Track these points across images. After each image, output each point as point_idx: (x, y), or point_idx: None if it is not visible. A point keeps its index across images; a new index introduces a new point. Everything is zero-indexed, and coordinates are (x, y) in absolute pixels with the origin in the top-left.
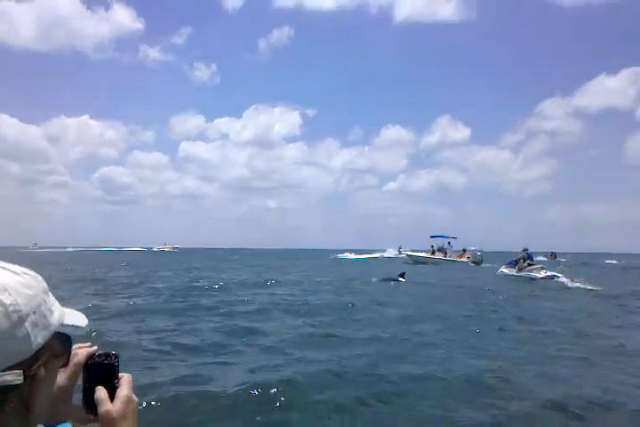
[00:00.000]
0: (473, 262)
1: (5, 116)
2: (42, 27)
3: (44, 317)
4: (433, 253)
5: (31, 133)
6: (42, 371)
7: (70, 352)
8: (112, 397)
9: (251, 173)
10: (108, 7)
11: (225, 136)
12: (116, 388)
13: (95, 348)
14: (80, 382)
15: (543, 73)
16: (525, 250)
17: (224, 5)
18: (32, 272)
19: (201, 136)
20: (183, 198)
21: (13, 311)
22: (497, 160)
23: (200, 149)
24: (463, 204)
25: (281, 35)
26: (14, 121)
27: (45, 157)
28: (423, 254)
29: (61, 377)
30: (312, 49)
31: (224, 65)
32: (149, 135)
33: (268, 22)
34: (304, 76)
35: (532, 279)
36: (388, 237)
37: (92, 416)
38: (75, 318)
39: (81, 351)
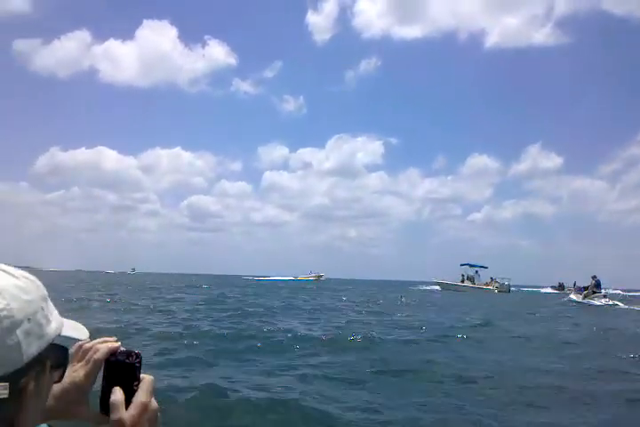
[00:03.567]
0: (500, 291)
1: (105, 148)
2: (143, 64)
3: (40, 325)
4: (462, 281)
5: (128, 164)
6: (31, 385)
7: (66, 367)
8: (129, 401)
9: (332, 202)
10: (204, 44)
11: (308, 165)
12: (135, 391)
13: (118, 344)
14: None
15: None
16: (594, 277)
17: (313, 39)
18: (32, 277)
19: (284, 166)
20: (265, 227)
21: (5, 317)
22: (591, 191)
23: (283, 179)
24: (552, 236)
25: (367, 65)
26: (113, 153)
27: (140, 186)
28: (452, 282)
29: (79, 374)
30: (398, 78)
31: (311, 96)
32: (236, 165)
33: (355, 54)
34: (389, 105)
35: (590, 306)
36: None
37: (104, 418)
38: (75, 330)
39: (102, 347)
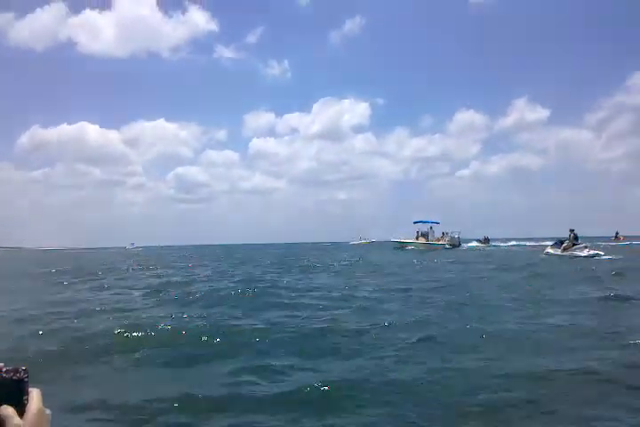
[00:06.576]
0: (450, 245)
1: (86, 123)
2: (121, 34)
3: None
4: (417, 238)
5: (111, 138)
6: None
7: None
8: (22, 414)
9: (320, 165)
10: (184, 10)
11: (294, 131)
12: (25, 405)
13: (1, 364)
14: None
15: (631, 44)
16: (572, 230)
17: (297, 1)
18: None
19: (271, 132)
20: (254, 194)
21: None
22: (578, 141)
23: (269, 145)
24: (541, 189)
25: (352, 25)
26: (95, 127)
27: (125, 160)
28: (405, 240)
29: None
30: (383, 37)
31: (295, 60)
32: (222, 134)
33: (340, 14)
34: (374, 65)
35: (576, 257)
36: (461, 223)
37: None
38: None
39: None
